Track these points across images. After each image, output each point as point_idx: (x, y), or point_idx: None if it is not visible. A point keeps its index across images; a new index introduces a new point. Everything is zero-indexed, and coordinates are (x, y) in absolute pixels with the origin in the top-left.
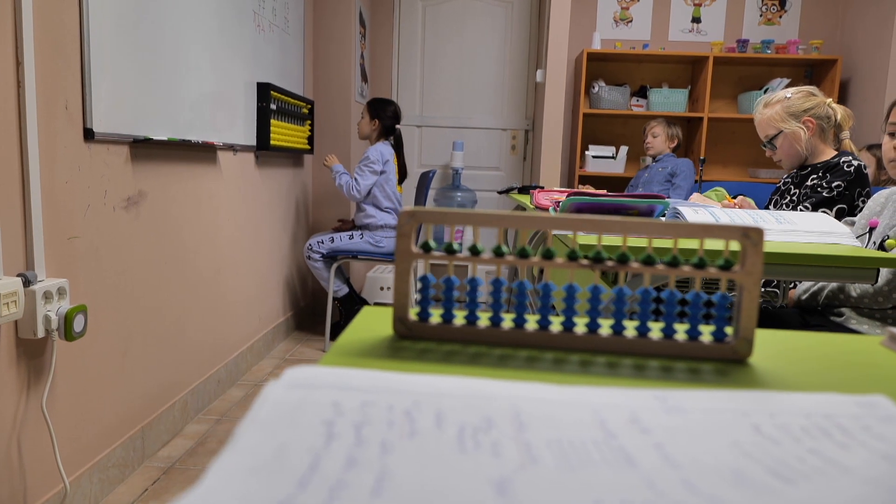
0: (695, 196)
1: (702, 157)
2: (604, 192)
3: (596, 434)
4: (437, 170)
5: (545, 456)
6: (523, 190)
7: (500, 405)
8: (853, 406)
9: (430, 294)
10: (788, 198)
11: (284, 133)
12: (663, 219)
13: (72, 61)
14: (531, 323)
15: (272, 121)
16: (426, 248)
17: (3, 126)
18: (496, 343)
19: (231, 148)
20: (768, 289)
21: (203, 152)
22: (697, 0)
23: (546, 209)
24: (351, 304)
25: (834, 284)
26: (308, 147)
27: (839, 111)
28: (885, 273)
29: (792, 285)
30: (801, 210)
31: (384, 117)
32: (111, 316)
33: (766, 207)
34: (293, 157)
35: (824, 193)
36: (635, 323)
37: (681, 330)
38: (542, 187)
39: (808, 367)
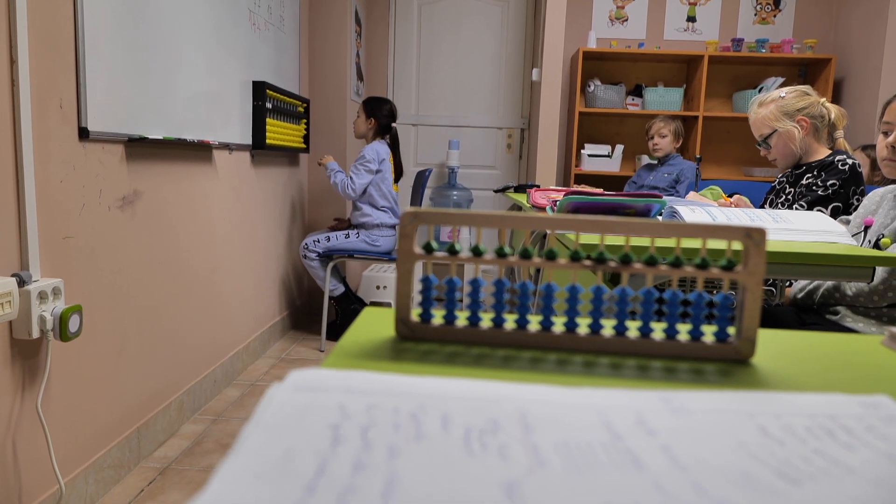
0: (691, 194)
1: (698, 156)
2: (600, 190)
3: (602, 436)
4: (433, 168)
5: (553, 459)
6: (520, 189)
7: (505, 407)
8: (856, 406)
9: (433, 295)
10: (784, 197)
11: (280, 132)
12: (660, 218)
13: (66, 60)
14: (534, 324)
15: (268, 119)
16: (428, 248)
17: None
18: (499, 344)
19: (227, 147)
20: (764, 287)
21: (198, 151)
22: None
23: (543, 208)
24: (347, 303)
25: (830, 283)
26: (304, 146)
27: (833, 110)
28: (880, 272)
29: (788, 284)
30: (796, 209)
31: (380, 116)
32: (106, 316)
33: (762, 206)
34: (289, 155)
35: (819, 192)
36: (638, 323)
37: (683, 330)
38: (539, 186)
39: (809, 366)
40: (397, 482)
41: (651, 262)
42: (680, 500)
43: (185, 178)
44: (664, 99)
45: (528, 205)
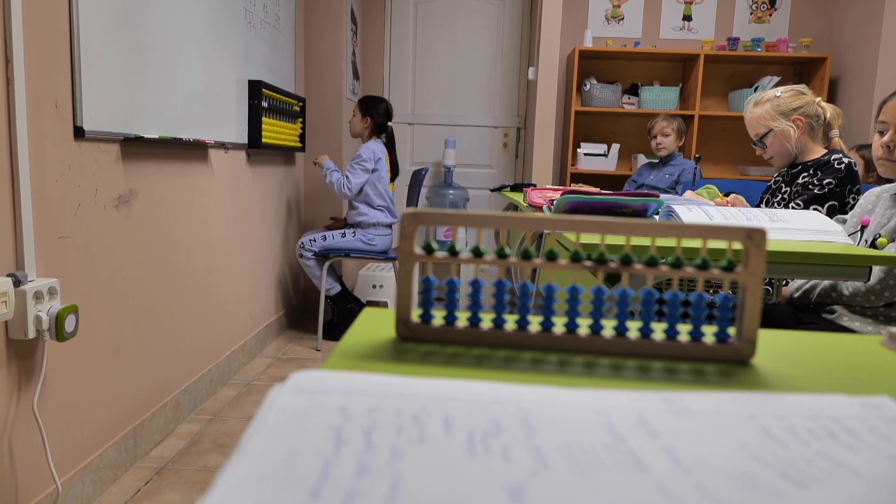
0: (687, 193)
1: (697, 155)
2: (597, 189)
3: (605, 438)
4: (430, 167)
5: (556, 461)
6: (516, 188)
7: (507, 409)
8: (858, 407)
9: (433, 295)
10: (780, 196)
11: (276, 131)
12: (657, 217)
13: (61, 59)
14: (534, 325)
15: (264, 118)
16: (428, 249)
17: None
18: (499, 345)
19: (222, 146)
20: None
21: (194, 150)
22: None
23: (540, 207)
24: (343, 302)
25: (826, 282)
26: (300, 145)
27: (828, 110)
28: (877, 271)
29: (784, 283)
30: (792, 207)
31: (376, 115)
32: (102, 316)
33: (758, 206)
34: (285, 154)
35: (815, 190)
36: (638, 324)
37: (684, 331)
38: (535, 185)
39: (809, 367)
40: (402, 485)
41: (651, 262)
42: (684, 502)
43: (181, 178)
44: (660, 98)
45: (525, 204)
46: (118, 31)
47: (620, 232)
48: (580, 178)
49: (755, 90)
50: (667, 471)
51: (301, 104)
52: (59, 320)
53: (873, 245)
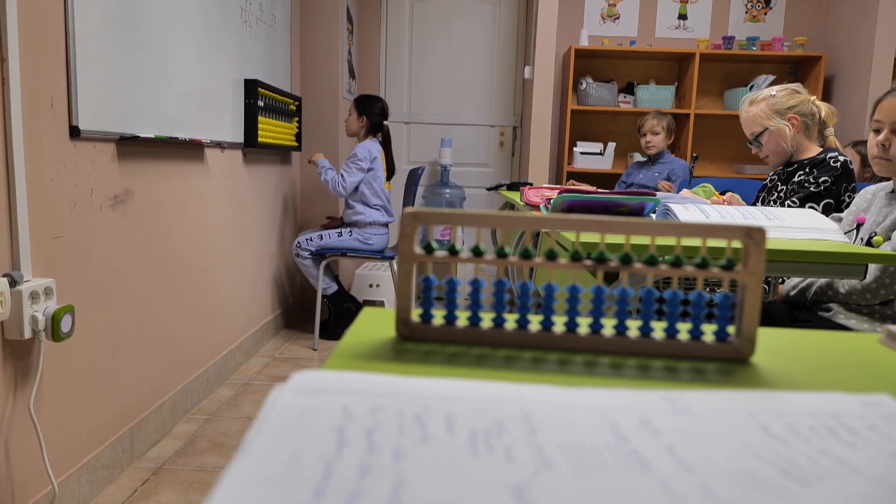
0: (683, 192)
1: (694, 154)
2: (594, 188)
3: (608, 437)
4: (426, 166)
5: (559, 461)
6: (512, 187)
7: (509, 408)
8: (858, 406)
9: (433, 295)
10: (776, 194)
11: (272, 130)
12: (654, 216)
13: (57, 58)
14: (534, 324)
15: (260, 118)
16: (428, 249)
17: None
18: (500, 344)
19: (218, 145)
20: None
21: (190, 150)
22: None
23: (537, 206)
24: (340, 301)
25: (822, 280)
26: (296, 144)
27: (823, 108)
28: (873, 269)
29: (781, 281)
30: (788, 205)
31: (372, 114)
32: (99, 316)
33: (754, 204)
34: (281, 154)
35: (812, 188)
36: (638, 323)
37: (683, 330)
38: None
39: (808, 365)
40: (405, 485)
41: (651, 261)
42: (688, 500)
43: (177, 177)
44: (656, 97)
45: (522, 203)
46: (114, 31)
47: (620, 231)
48: (576, 176)
49: (750, 89)
50: (670, 470)
51: (297, 103)
52: (55, 320)
53: (869, 243)
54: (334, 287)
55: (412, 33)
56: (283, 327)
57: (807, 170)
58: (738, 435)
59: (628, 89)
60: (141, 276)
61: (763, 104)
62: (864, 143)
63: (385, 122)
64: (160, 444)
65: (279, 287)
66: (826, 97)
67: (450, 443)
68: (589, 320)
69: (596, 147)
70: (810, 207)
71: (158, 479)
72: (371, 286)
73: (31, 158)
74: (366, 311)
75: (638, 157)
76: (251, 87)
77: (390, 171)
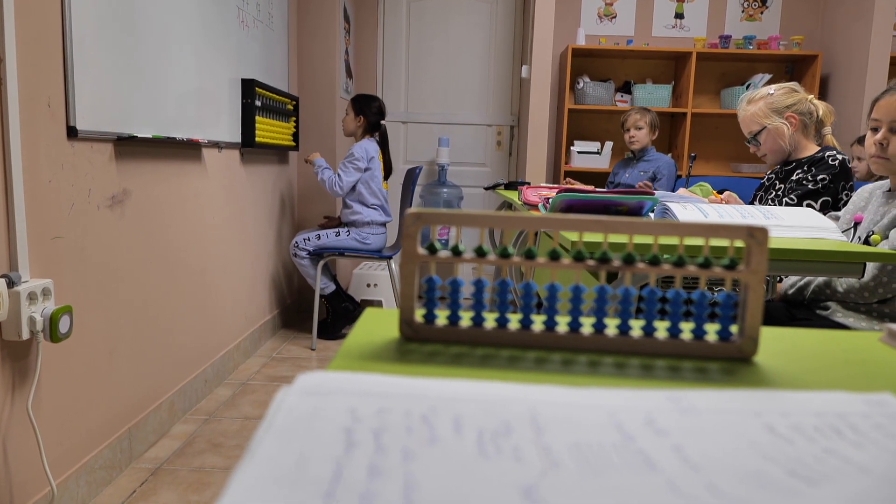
0: (681, 191)
1: (692, 154)
2: (591, 188)
3: (614, 437)
4: (423, 166)
5: (566, 461)
6: (510, 186)
7: (515, 409)
8: (861, 404)
9: (437, 295)
10: (773, 193)
11: (269, 130)
12: (652, 215)
13: (54, 58)
14: (538, 324)
15: (257, 117)
16: (431, 249)
17: None
18: (503, 344)
19: (216, 145)
20: None
21: (188, 150)
22: None
23: (535, 206)
24: (338, 301)
25: (820, 279)
26: (293, 144)
27: (821, 107)
28: (870, 268)
29: (778, 279)
30: (786, 203)
31: (369, 114)
32: (97, 316)
33: (751, 203)
34: (278, 153)
35: (810, 186)
36: (641, 322)
37: (686, 329)
38: (529, 183)
39: (810, 364)
40: (415, 486)
41: (654, 261)
42: (697, 500)
43: (175, 177)
44: (653, 96)
45: (520, 202)
46: (111, 31)
47: (623, 231)
48: (573, 175)
49: (747, 88)
50: (677, 470)
51: (294, 103)
52: (53, 321)
53: (867, 242)
54: (332, 287)
55: (409, 33)
56: (281, 327)
57: (805, 168)
58: (744, 434)
59: (625, 88)
60: (139, 277)
61: (761, 103)
62: None
63: (382, 122)
64: (158, 445)
65: (277, 287)
66: (822, 96)
67: (458, 443)
68: (592, 320)
69: (593, 146)
70: (808, 205)
71: (157, 480)
72: (369, 286)
73: (29, 159)
74: (368, 312)
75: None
76: (248, 86)
77: (387, 171)
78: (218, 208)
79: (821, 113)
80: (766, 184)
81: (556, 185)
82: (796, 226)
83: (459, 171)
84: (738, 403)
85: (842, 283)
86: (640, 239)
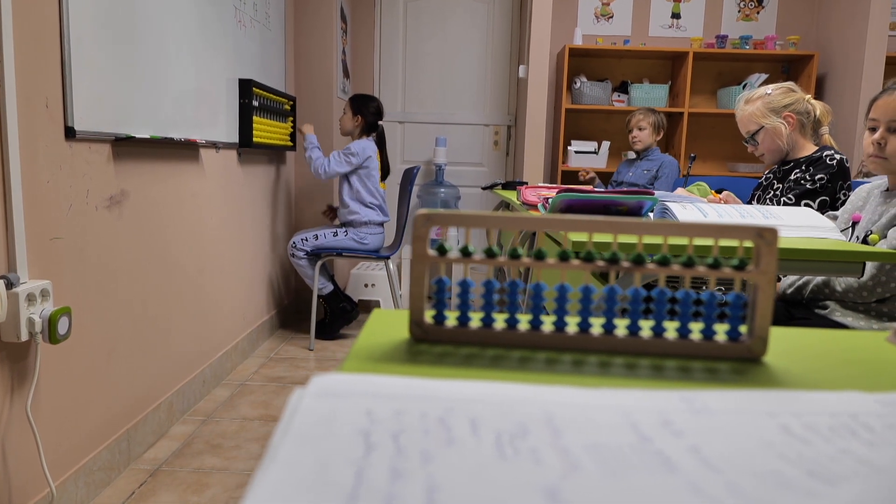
0: (678, 191)
1: (692, 155)
2: (590, 188)
3: (630, 438)
4: (421, 166)
5: (586, 462)
6: (507, 186)
7: (531, 410)
8: (874, 404)
9: (446, 297)
10: (771, 192)
11: (267, 130)
12: (651, 215)
13: (52, 59)
14: (547, 325)
15: (254, 117)
16: (441, 251)
17: None
18: (513, 345)
19: (213, 145)
20: None
21: (185, 150)
22: None
23: (535, 206)
24: (336, 301)
25: (819, 278)
26: (290, 144)
27: (818, 107)
28: (869, 267)
29: (777, 279)
30: (784, 202)
31: (367, 113)
32: (95, 317)
33: (749, 202)
34: (276, 153)
35: (807, 185)
36: (651, 323)
37: (696, 329)
38: (527, 183)
39: (819, 364)
40: (438, 489)
41: (664, 261)
42: (719, 501)
43: (173, 178)
44: (650, 95)
45: (518, 202)
46: (108, 31)
47: (633, 232)
48: (571, 175)
49: (744, 87)
50: (696, 470)
51: (291, 103)
52: (51, 323)
53: (865, 241)
54: (330, 287)
55: (406, 32)
56: (279, 327)
57: (803, 167)
58: (759, 435)
59: (622, 88)
60: (137, 277)
61: (759, 103)
62: None
63: (380, 122)
64: (157, 446)
65: (274, 287)
66: (818, 95)
67: (476, 445)
68: (602, 320)
69: (590, 146)
70: (806, 205)
71: (156, 481)
72: (366, 286)
73: (27, 160)
74: (377, 313)
75: (631, 156)
76: (246, 86)
77: (385, 171)
78: (216, 208)
79: (818, 113)
80: (764, 183)
81: (554, 185)
82: (795, 225)
83: (457, 170)
84: (751, 404)
85: (840, 283)
86: (632, 238)
